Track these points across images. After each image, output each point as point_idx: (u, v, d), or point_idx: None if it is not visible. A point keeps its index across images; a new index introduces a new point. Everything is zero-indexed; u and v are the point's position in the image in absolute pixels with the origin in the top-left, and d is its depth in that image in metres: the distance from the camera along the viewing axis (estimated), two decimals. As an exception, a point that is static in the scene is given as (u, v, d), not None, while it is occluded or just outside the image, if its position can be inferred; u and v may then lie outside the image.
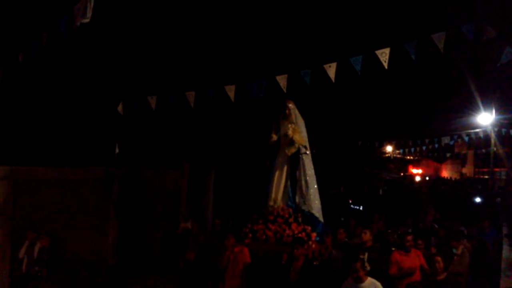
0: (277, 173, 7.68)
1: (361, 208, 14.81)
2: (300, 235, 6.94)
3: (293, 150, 7.48)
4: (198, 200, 12.57)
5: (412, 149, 25.71)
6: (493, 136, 20.92)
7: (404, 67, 9.32)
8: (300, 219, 7.24)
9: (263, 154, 8.01)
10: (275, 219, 7.25)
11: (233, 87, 8.27)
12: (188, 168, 11.23)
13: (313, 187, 7.63)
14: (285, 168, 7.65)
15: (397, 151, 30.27)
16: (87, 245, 8.59)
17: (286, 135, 7.58)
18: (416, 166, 36.11)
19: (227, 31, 8.85)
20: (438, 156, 31.10)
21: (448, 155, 31.30)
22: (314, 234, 7.09)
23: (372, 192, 22.60)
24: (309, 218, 7.38)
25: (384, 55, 7.07)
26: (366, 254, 6.55)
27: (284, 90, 7.76)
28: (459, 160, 37.65)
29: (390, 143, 24.42)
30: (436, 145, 21.40)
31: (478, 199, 15.82)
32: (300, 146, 7.53)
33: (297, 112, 7.80)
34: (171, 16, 8.50)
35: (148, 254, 9.24)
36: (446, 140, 20.67)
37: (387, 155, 30.75)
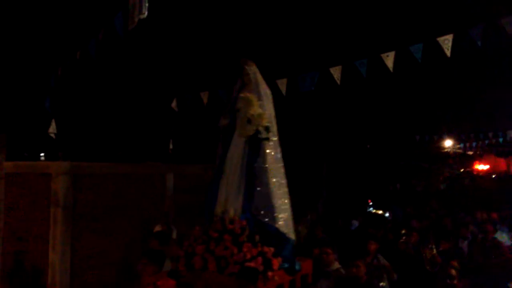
0: (228, 167, 5.18)
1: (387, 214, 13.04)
2: (253, 262, 4.52)
3: (249, 132, 5.05)
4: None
5: (474, 144, 24.36)
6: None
7: (467, 55, 8.75)
8: (257, 237, 4.78)
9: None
10: (221, 237, 4.74)
11: (284, 81, 8.12)
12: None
13: (279, 188, 5.18)
14: (240, 160, 5.16)
15: (457, 146, 28.77)
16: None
17: (238, 110, 5.23)
18: (482, 161, 34.19)
19: (275, 22, 8.67)
20: (503, 151, 29.31)
21: (514, 150, 29.41)
22: (277, 260, 4.70)
23: (426, 189, 21.54)
24: (272, 235, 4.96)
25: (446, 42, 6.67)
26: None
27: (338, 82, 7.51)
28: (526, 154, 35.28)
29: (450, 137, 23.29)
30: (501, 139, 20.15)
31: None
32: (260, 128, 5.06)
33: (259, 78, 5.45)
34: (221, 11, 8.44)
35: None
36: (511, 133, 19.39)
37: (446, 150, 29.34)
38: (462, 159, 33.40)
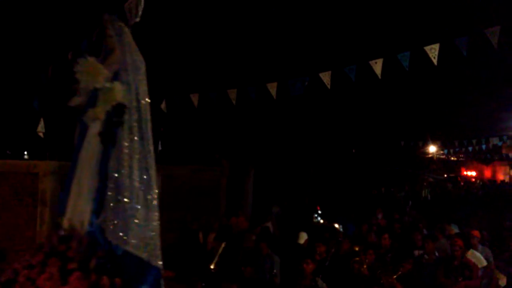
0: (81, 165, 3.71)
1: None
2: None
3: (97, 114, 3.60)
4: (237, 199, 12.59)
5: (457, 150, 24.80)
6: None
7: (454, 64, 8.96)
8: (93, 263, 3.36)
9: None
10: (45, 262, 3.42)
11: (274, 84, 8.22)
12: (228, 166, 11.28)
13: (143, 195, 3.70)
14: (93, 155, 3.69)
15: (441, 152, 29.27)
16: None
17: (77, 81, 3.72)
18: (469, 167, 34.74)
19: (266, 26, 8.79)
20: (485, 158, 29.94)
21: (496, 157, 30.06)
22: None
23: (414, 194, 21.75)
24: (125, 260, 3.51)
25: (433, 51, 6.83)
26: None
27: (328, 86, 7.63)
28: (507, 162, 36.07)
29: (434, 143, 23.70)
30: (484, 146, 20.54)
31: None
32: (109, 108, 3.60)
33: (127, 42, 3.84)
34: (211, 13, 8.52)
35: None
36: (495, 140, 19.80)
37: (430, 155, 29.81)
38: (445, 165, 33.97)
